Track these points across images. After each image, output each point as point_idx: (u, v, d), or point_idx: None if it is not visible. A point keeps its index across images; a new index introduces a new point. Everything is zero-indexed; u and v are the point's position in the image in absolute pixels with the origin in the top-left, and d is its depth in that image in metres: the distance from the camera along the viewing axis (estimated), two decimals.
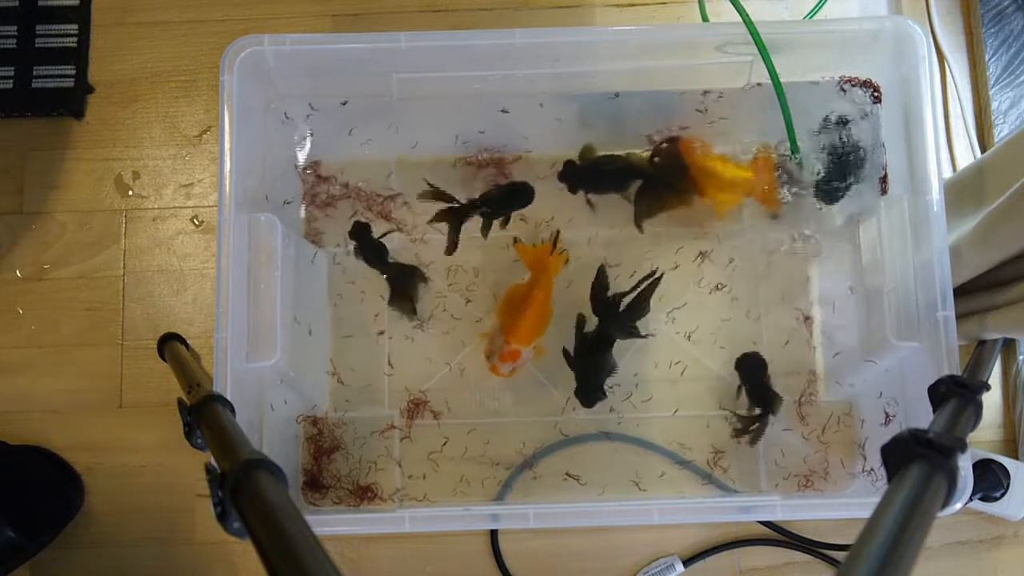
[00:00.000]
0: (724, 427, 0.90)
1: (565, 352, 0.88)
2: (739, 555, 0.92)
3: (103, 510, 0.93)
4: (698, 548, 0.91)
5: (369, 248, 0.92)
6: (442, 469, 0.90)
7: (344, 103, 0.90)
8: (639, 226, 0.91)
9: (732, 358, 0.91)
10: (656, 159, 0.90)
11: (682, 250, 0.94)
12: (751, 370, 0.90)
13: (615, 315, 0.87)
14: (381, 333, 0.93)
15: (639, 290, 0.87)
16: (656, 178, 0.90)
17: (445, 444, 0.90)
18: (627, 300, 0.87)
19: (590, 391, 0.87)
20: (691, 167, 0.89)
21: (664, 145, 0.89)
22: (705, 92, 0.89)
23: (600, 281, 0.87)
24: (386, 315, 0.93)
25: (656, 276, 0.88)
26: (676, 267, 0.93)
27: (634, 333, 0.88)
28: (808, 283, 0.93)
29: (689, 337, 0.92)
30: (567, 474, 0.89)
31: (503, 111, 0.89)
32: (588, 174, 0.91)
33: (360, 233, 0.92)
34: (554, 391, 0.91)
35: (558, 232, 0.91)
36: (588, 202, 0.92)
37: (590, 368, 0.87)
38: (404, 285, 0.92)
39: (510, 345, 0.84)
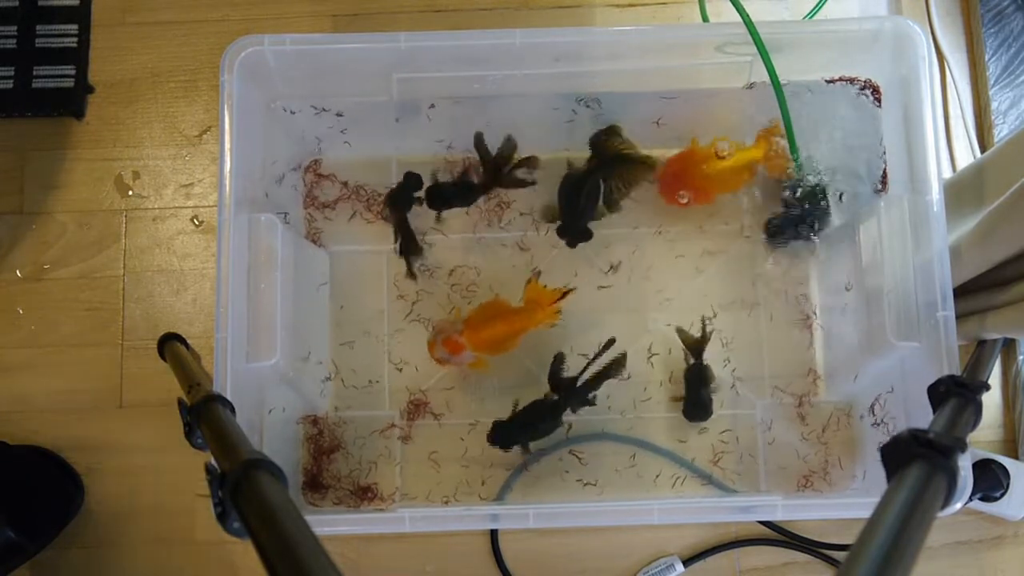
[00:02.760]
0: (724, 427, 0.90)
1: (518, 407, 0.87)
2: (739, 555, 0.92)
3: (103, 510, 0.93)
4: (698, 548, 0.91)
5: (404, 196, 0.90)
6: (442, 469, 0.90)
7: (339, 114, 0.90)
8: (611, 209, 0.89)
9: (732, 358, 0.91)
10: (597, 151, 0.88)
11: (681, 249, 0.94)
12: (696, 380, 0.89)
13: (572, 392, 0.85)
14: (377, 340, 0.93)
15: (597, 369, 0.86)
16: (605, 167, 0.88)
17: (471, 428, 0.90)
18: (584, 377, 0.86)
19: (508, 438, 0.86)
20: (700, 171, 0.88)
21: (602, 137, 0.88)
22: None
23: (557, 366, 0.86)
24: (387, 315, 0.93)
25: (611, 352, 0.86)
26: (679, 254, 0.93)
27: (588, 403, 0.86)
28: (808, 283, 0.93)
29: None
30: (570, 451, 0.89)
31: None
32: (580, 221, 0.89)
33: (409, 182, 0.91)
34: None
35: (570, 291, 0.88)
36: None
37: (527, 427, 0.86)
38: (407, 244, 0.91)
39: (461, 336, 0.83)
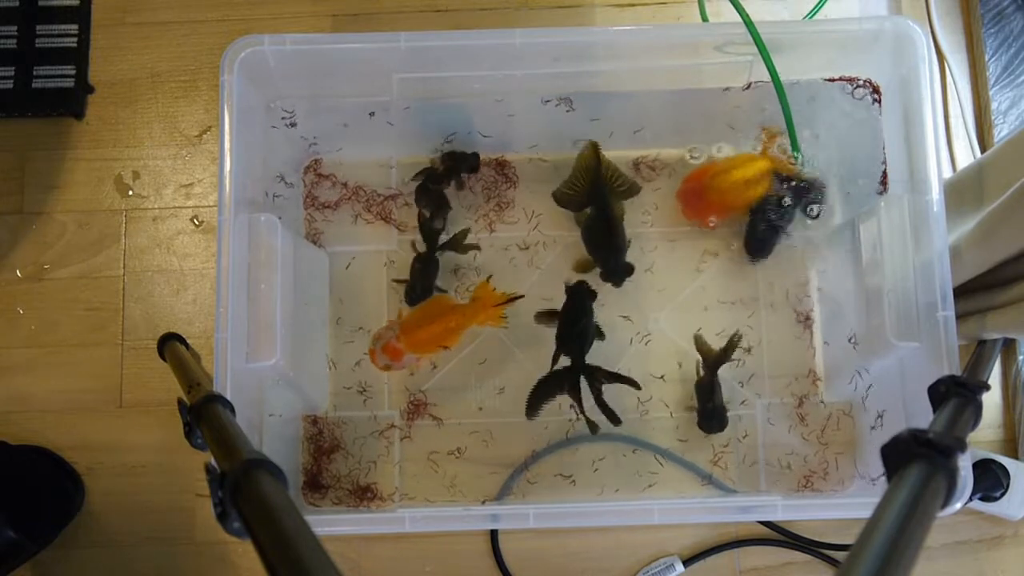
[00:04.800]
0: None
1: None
2: (739, 555, 0.92)
3: (103, 510, 0.93)
4: (698, 548, 0.91)
5: (454, 170, 0.91)
6: (442, 469, 0.90)
7: (345, 125, 0.91)
8: (632, 192, 0.89)
9: (734, 358, 0.91)
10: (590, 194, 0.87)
11: (682, 249, 0.94)
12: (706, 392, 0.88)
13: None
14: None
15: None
16: (602, 186, 0.87)
17: (481, 422, 0.90)
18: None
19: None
20: (715, 188, 0.88)
21: (572, 192, 0.88)
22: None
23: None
24: (387, 315, 0.93)
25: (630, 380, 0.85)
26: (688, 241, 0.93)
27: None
28: (808, 283, 0.93)
29: (692, 339, 0.92)
30: (570, 451, 0.89)
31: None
32: (620, 260, 0.89)
33: (474, 161, 0.92)
34: None
35: (518, 296, 0.86)
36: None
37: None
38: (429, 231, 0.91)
39: (398, 342, 0.83)
